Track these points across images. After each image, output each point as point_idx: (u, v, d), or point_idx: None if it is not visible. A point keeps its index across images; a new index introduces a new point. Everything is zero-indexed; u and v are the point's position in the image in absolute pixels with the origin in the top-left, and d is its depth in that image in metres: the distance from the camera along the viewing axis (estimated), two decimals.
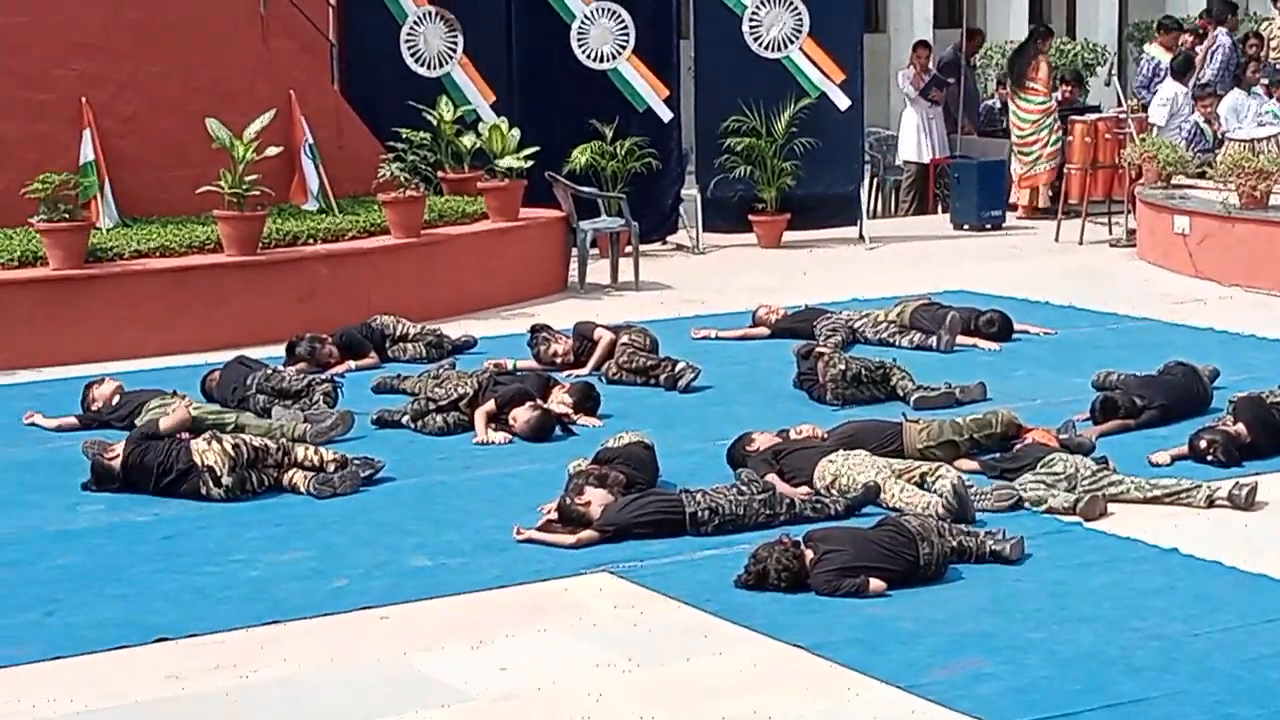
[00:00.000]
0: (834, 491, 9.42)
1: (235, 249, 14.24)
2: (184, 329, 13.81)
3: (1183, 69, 19.45)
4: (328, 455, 10.15)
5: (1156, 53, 20.87)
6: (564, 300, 15.82)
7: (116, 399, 11.43)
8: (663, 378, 12.24)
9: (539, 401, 11.21)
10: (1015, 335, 13.52)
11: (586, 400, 11.47)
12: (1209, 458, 10.05)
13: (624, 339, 12.63)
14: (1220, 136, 18.04)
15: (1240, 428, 10.24)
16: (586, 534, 8.91)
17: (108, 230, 14.50)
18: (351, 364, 12.94)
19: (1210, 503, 9.32)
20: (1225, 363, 12.04)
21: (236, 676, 7.36)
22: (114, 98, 15.24)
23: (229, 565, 8.76)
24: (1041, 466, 9.58)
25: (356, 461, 10.15)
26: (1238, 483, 9.40)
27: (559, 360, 12.73)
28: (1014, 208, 19.93)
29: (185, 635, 7.81)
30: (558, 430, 11.02)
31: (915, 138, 20.90)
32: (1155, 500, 9.39)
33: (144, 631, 7.86)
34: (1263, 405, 10.45)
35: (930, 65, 21.34)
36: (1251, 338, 13.59)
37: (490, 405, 11.11)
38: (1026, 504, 9.31)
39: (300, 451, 10.15)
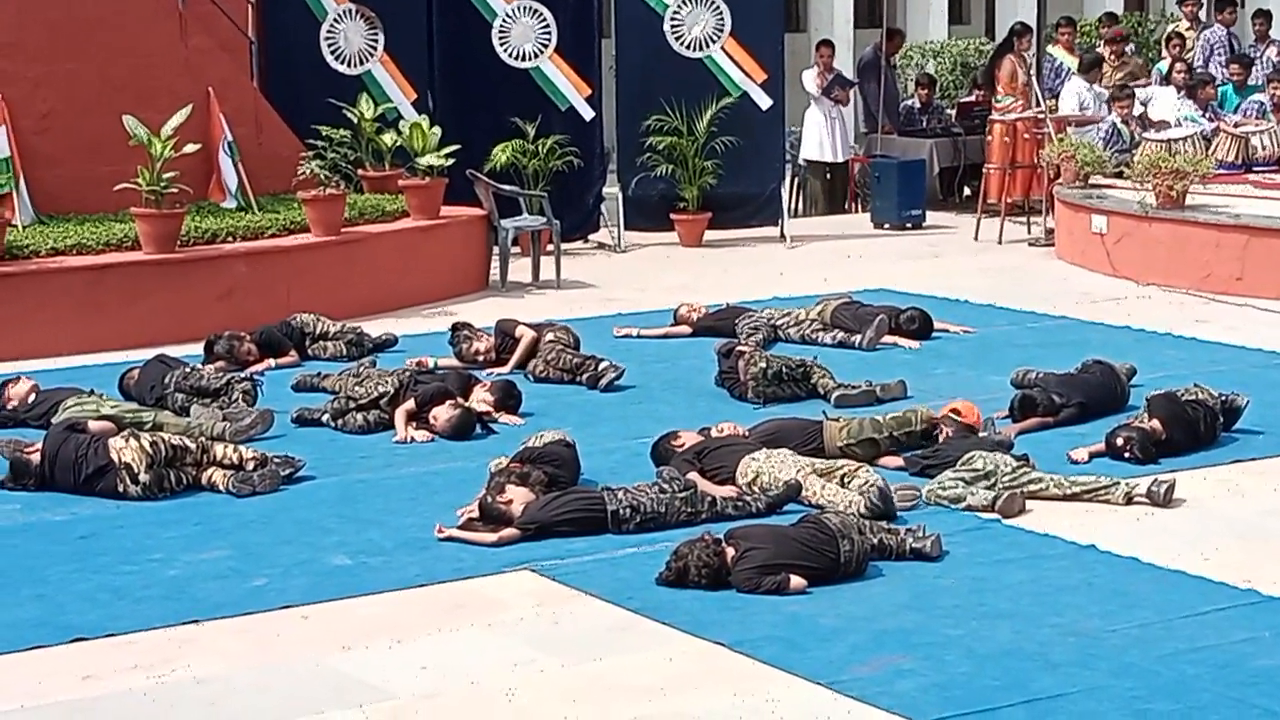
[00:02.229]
0: (755, 489, 9.43)
1: (153, 247, 14.13)
2: (101, 327, 13.68)
3: (1090, 66, 19.58)
4: (247, 453, 10.09)
5: (1058, 53, 20.99)
6: (485, 299, 15.77)
7: (32, 398, 11.35)
8: (585, 377, 12.23)
9: (460, 400, 11.18)
10: (935, 333, 13.59)
11: (508, 398, 11.45)
12: (1126, 455, 10.12)
13: (549, 336, 12.61)
14: (1136, 137, 18.15)
15: (1156, 425, 10.32)
16: (508, 532, 8.89)
17: (24, 228, 14.37)
18: (271, 362, 12.86)
19: (1128, 499, 9.39)
20: (1142, 361, 12.13)
21: (154, 677, 7.31)
22: (30, 95, 15.08)
23: (147, 564, 8.69)
24: (961, 464, 9.63)
25: (276, 460, 10.09)
26: (1156, 479, 9.47)
27: (480, 358, 12.70)
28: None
29: (102, 635, 7.75)
30: (478, 428, 11.00)
31: (817, 136, 20.87)
32: (1074, 497, 9.46)
33: (60, 631, 7.79)
34: (1178, 402, 10.53)
35: (834, 64, 21.33)
36: (1168, 336, 13.69)
37: (411, 404, 11.07)
38: (931, 503, 9.36)
39: (219, 450, 10.08)
